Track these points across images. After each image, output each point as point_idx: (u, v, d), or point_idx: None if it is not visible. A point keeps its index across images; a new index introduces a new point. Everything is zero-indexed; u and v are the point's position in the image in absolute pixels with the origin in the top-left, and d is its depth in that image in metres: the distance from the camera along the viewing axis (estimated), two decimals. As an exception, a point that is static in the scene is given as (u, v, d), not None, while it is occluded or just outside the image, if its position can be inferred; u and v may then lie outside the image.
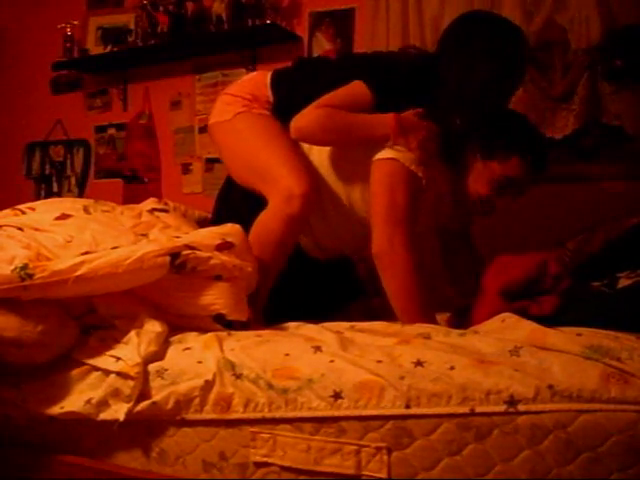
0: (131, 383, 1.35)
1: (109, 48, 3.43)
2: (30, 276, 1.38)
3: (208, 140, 3.46)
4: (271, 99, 2.00)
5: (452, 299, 2.13)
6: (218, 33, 3.14)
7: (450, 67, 1.86)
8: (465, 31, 1.89)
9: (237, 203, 2.08)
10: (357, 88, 1.85)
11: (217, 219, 2.09)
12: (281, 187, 1.83)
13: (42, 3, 3.76)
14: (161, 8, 3.27)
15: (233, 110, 2.00)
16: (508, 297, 1.66)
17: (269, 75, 2.05)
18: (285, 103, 1.97)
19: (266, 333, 1.53)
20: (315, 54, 3.06)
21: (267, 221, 1.83)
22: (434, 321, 1.72)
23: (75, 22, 3.53)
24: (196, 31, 3.18)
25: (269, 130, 1.95)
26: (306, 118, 1.83)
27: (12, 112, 3.86)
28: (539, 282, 1.67)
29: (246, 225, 1.79)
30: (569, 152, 2.55)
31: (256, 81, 2.07)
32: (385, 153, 1.82)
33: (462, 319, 1.81)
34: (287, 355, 1.35)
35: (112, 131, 3.67)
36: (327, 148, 1.94)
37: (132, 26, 3.39)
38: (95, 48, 3.52)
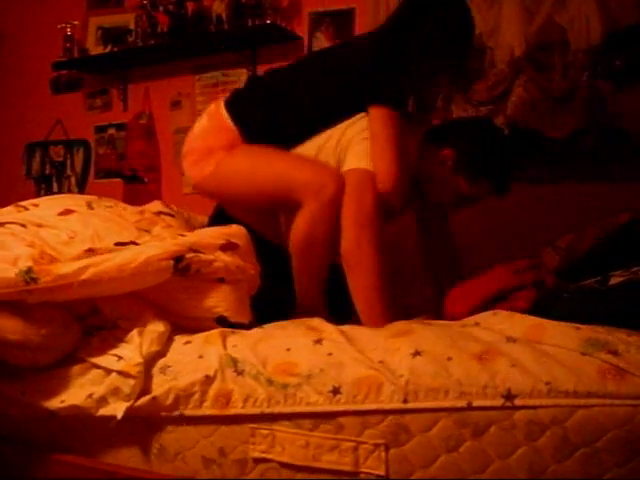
0: (131, 382, 1.36)
1: (109, 48, 3.42)
2: (35, 280, 1.37)
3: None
4: (236, 131, 1.91)
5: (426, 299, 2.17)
6: (218, 33, 3.14)
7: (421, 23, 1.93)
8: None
9: None
10: (387, 118, 1.81)
11: (217, 214, 2.10)
12: (307, 184, 1.77)
13: (42, 3, 3.76)
14: (161, 8, 3.27)
15: (211, 163, 1.91)
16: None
17: (222, 108, 1.95)
18: (257, 131, 1.91)
19: (270, 327, 1.55)
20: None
21: (308, 226, 1.77)
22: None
23: (75, 22, 3.52)
24: (196, 31, 3.18)
25: (259, 151, 1.89)
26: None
27: (12, 112, 3.86)
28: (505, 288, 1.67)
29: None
30: (569, 152, 2.55)
31: (213, 125, 1.96)
32: (356, 162, 1.80)
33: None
34: (288, 350, 1.36)
35: (112, 131, 3.67)
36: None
37: (132, 26, 3.38)
38: (95, 48, 3.51)
